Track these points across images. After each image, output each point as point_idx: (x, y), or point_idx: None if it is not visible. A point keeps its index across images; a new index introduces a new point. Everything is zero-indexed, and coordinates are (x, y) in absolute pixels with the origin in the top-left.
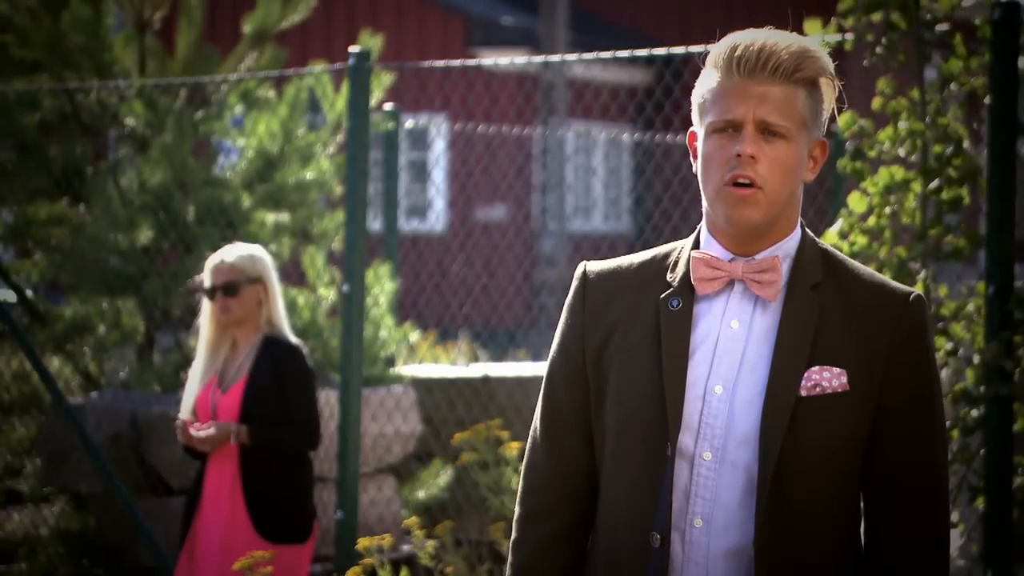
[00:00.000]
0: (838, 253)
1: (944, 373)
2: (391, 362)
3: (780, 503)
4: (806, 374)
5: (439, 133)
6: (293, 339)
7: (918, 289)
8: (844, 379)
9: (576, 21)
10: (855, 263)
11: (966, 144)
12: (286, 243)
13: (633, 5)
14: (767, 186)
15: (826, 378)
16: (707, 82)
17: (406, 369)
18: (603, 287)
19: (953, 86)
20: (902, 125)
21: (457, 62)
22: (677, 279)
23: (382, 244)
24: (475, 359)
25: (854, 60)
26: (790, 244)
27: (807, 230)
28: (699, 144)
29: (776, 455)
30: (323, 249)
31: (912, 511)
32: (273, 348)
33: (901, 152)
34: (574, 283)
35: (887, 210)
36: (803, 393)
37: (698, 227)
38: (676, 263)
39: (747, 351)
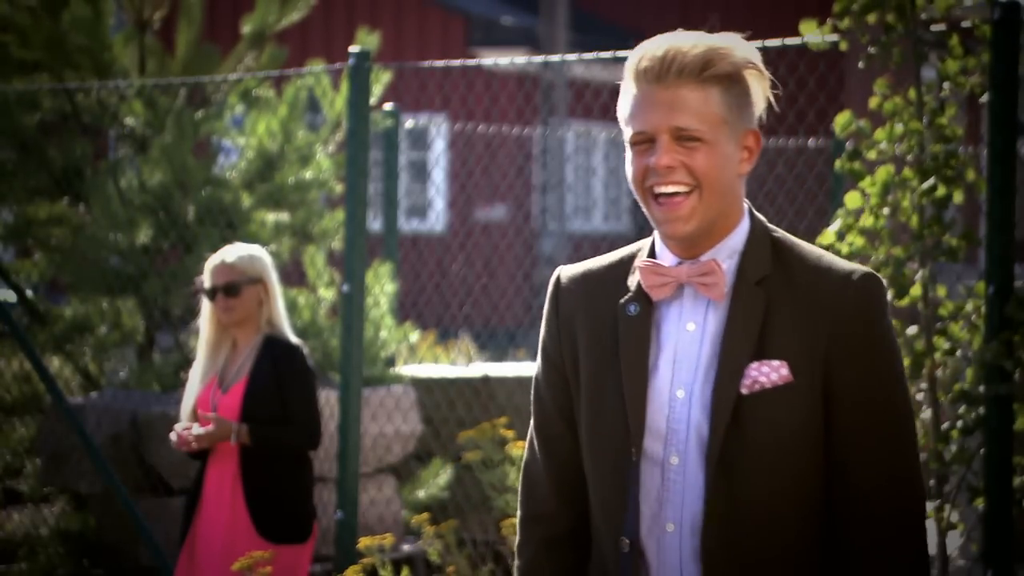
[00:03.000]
0: (790, 239)
1: (943, 373)
2: (391, 362)
3: (730, 504)
4: (746, 371)
5: (439, 133)
6: (293, 339)
7: (915, 289)
8: (785, 371)
9: (576, 21)
10: (810, 249)
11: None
12: (286, 243)
13: (633, 5)
14: (699, 190)
15: (764, 373)
16: (624, 94)
17: (406, 369)
18: (573, 293)
19: (950, 86)
20: (899, 125)
21: (457, 62)
22: (635, 283)
23: (382, 244)
24: (475, 359)
25: (851, 61)
26: (735, 240)
27: (757, 219)
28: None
29: (718, 456)
30: (323, 249)
31: (872, 500)
32: (273, 348)
33: (898, 152)
34: (549, 289)
35: (884, 210)
36: (744, 391)
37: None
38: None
39: (702, 353)
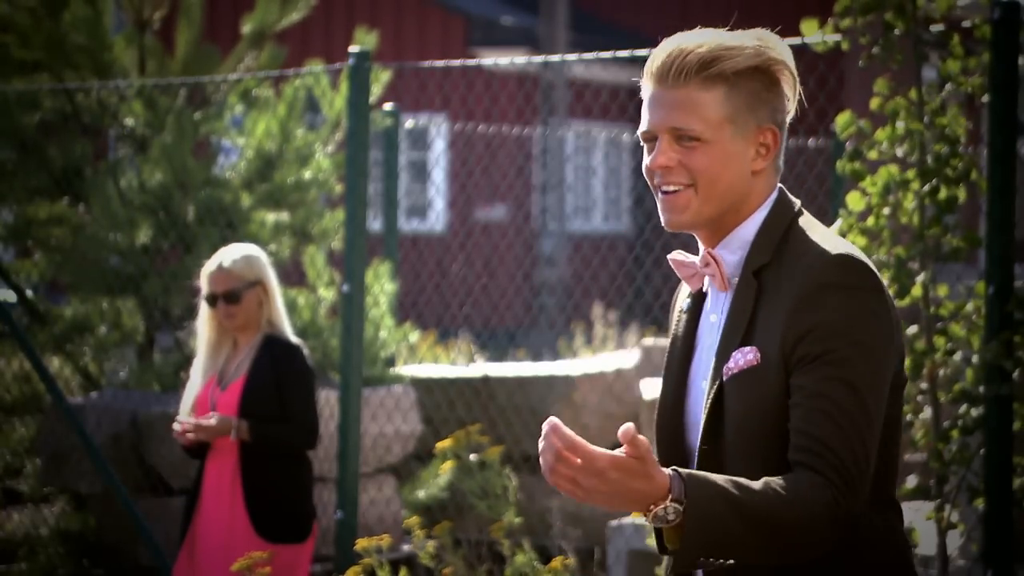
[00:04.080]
0: (809, 227)
1: (943, 373)
2: (391, 362)
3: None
4: (731, 358)
5: (439, 133)
6: (293, 338)
7: (916, 290)
8: (752, 355)
9: (576, 21)
10: (815, 235)
11: (963, 144)
12: (286, 243)
13: (633, 5)
14: (696, 187)
15: (736, 359)
16: (642, 93)
17: (406, 369)
18: (675, 302)
19: (951, 86)
20: (900, 125)
21: (457, 62)
22: None
23: (382, 244)
24: (475, 359)
25: (852, 61)
26: (745, 231)
27: (779, 210)
28: None
29: (700, 439)
30: (323, 249)
31: (802, 450)
32: (273, 347)
33: (899, 152)
34: None
35: (885, 210)
36: (725, 376)
37: None
38: None
39: (717, 343)
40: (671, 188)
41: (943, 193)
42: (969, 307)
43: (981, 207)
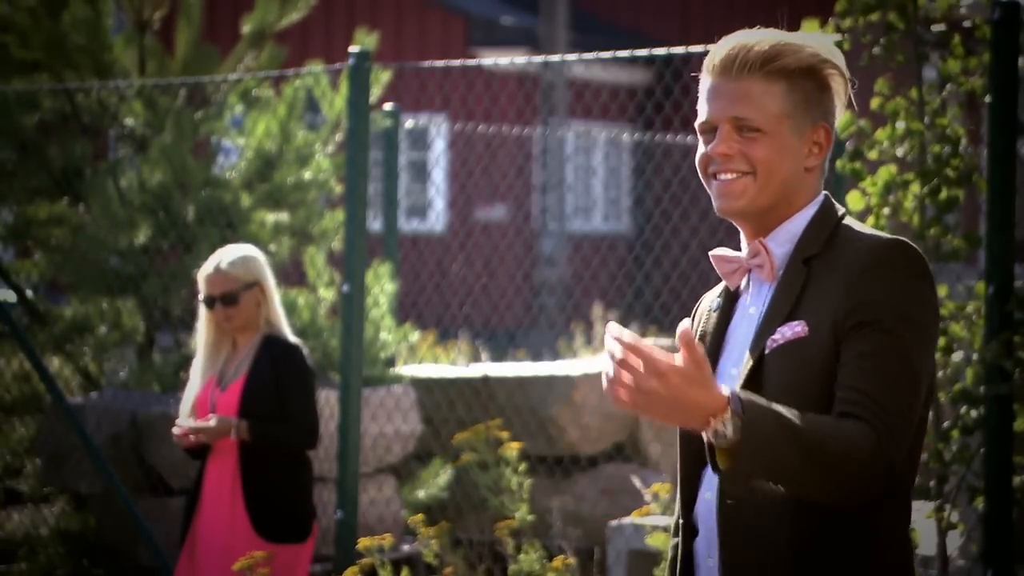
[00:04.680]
0: (858, 226)
1: (944, 373)
2: (391, 362)
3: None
4: (775, 332)
5: (439, 133)
6: (292, 338)
7: None
8: (800, 327)
9: (576, 21)
10: (869, 232)
11: (964, 144)
12: (286, 243)
13: (633, 5)
14: (755, 175)
15: (783, 332)
16: (700, 87)
17: (406, 369)
18: (700, 307)
19: (951, 86)
20: (900, 125)
21: (457, 62)
22: (723, 284)
23: (382, 244)
24: (475, 359)
25: (852, 60)
26: (795, 225)
27: (828, 208)
28: None
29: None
30: (323, 249)
31: (855, 412)
32: (272, 347)
33: (899, 152)
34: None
35: (885, 210)
36: (767, 348)
37: None
38: None
39: (758, 326)
40: (729, 176)
41: (943, 193)
42: (969, 307)
43: (981, 207)
